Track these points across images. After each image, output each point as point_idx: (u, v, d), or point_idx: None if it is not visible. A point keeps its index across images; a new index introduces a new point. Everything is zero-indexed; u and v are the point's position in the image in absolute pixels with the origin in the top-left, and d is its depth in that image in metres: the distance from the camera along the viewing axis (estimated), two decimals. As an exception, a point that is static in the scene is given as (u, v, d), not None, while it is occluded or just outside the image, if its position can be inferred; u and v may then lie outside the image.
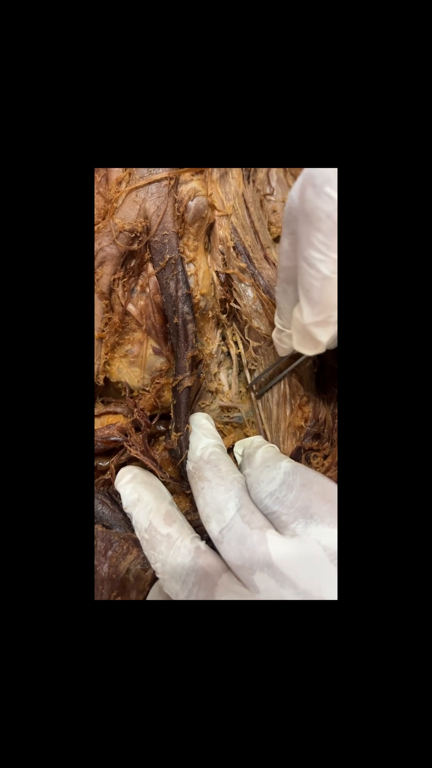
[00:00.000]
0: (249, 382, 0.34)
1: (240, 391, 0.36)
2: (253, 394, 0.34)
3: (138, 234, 0.31)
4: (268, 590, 0.22)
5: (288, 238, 0.23)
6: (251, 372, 0.34)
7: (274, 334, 0.29)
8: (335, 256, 0.21)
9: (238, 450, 0.33)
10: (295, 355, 0.29)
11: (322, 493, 0.24)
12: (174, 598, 0.25)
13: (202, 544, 0.26)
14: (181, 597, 0.24)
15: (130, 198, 0.31)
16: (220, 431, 0.35)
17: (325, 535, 0.22)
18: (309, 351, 0.26)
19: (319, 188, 0.20)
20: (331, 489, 0.24)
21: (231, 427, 0.36)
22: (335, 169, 0.19)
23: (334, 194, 0.19)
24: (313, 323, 0.23)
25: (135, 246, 0.31)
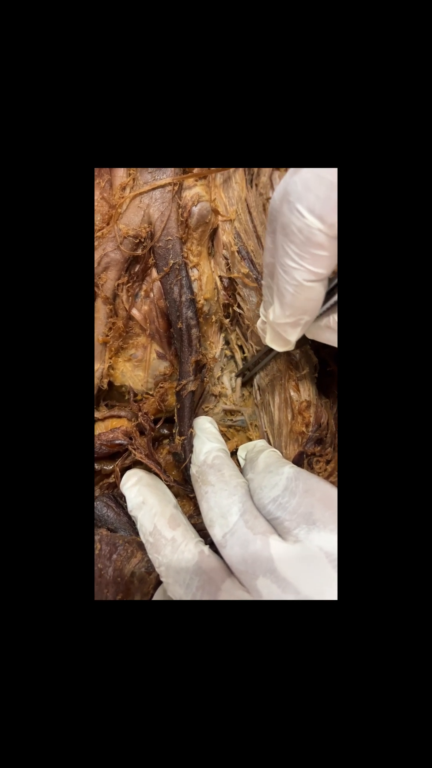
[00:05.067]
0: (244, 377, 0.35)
1: (243, 395, 0.36)
2: (240, 380, 0.36)
3: (142, 239, 0.31)
4: (271, 596, 0.22)
5: (270, 237, 0.23)
6: (244, 362, 0.35)
7: (258, 324, 0.30)
8: (309, 266, 0.22)
9: (241, 454, 0.33)
10: None
11: (324, 500, 0.24)
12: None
13: (206, 549, 0.26)
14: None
15: (134, 204, 0.31)
16: (223, 435, 0.35)
17: (328, 542, 0.22)
18: (279, 348, 0.27)
19: (292, 205, 0.21)
20: (333, 495, 0.24)
21: (234, 431, 0.36)
22: (309, 187, 0.20)
23: (306, 212, 0.20)
24: (283, 324, 0.25)
25: (139, 251, 0.31)
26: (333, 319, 0.25)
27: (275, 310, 0.25)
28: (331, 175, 0.20)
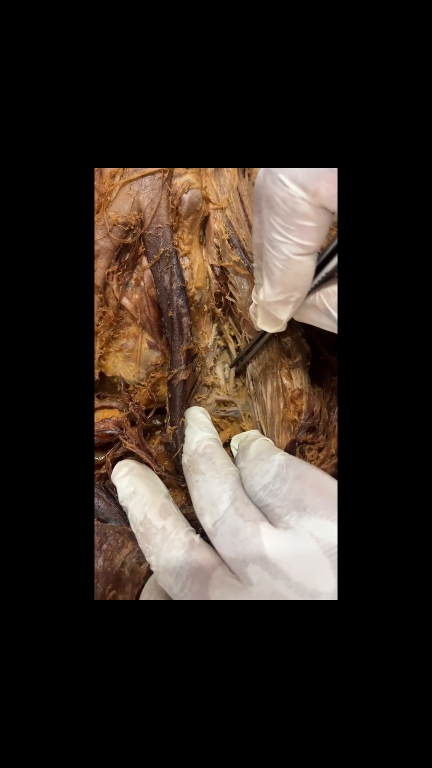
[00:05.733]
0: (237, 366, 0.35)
1: (236, 386, 0.36)
2: (233, 370, 0.35)
3: (132, 227, 0.31)
4: (261, 582, 0.22)
5: (257, 216, 0.23)
6: (237, 352, 0.35)
7: (250, 309, 0.30)
8: (296, 239, 0.21)
9: (234, 444, 0.33)
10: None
11: (315, 486, 0.23)
12: (168, 591, 0.25)
13: (197, 537, 0.26)
14: (175, 590, 0.24)
15: (124, 191, 0.31)
16: (216, 425, 0.35)
17: (318, 528, 0.22)
18: (271, 328, 0.27)
19: (274, 175, 0.20)
20: (324, 481, 0.24)
21: (227, 421, 0.36)
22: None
23: (289, 181, 0.20)
24: (273, 302, 0.25)
25: (129, 239, 0.31)
26: (319, 298, 0.24)
27: (265, 289, 0.24)
28: None
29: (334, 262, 0.23)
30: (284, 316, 0.25)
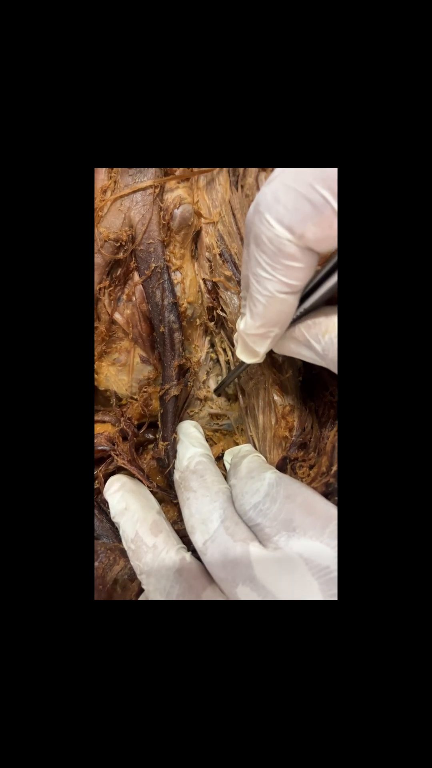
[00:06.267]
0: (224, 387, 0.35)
1: (229, 399, 0.36)
2: (214, 395, 0.35)
3: (123, 243, 0.31)
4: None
5: (246, 250, 0.23)
6: (228, 367, 0.35)
7: (234, 336, 0.29)
8: (281, 277, 0.21)
9: (227, 458, 0.33)
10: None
11: (305, 506, 0.23)
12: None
13: (188, 556, 0.26)
14: (166, 609, 0.24)
15: (115, 207, 0.31)
16: (209, 439, 0.35)
17: (307, 548, 0.22)
18: (248, 359, 0.27)
19: (261, 215, 0.20)
20: (314, 501, 0.24)
21: (221, 435, 0.36)
22: (278, 198, 0.20)
23: (275, 222, 0.20)
24: (252, 334, 0.25)
25: (120, 255, 0.31)
26: (299, 330, 0.24)
27: (247, 320, 0.24)
28: (300, 185, 0.19)
29: (315, 297, 0.23)
30: (262, 349, 0.26)
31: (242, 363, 0.30)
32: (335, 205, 0.19)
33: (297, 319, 0.24)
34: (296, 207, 0.19)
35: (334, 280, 0.23)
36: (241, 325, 0.25)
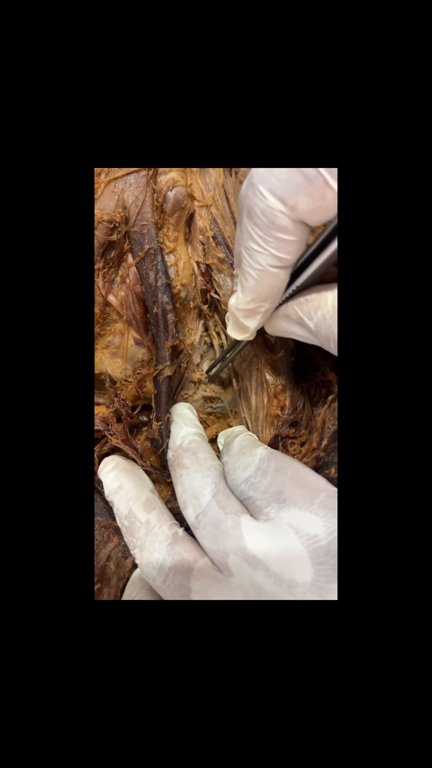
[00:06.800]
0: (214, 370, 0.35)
1: (223, 382, 0.36)
2: (207, 378, 0.35)
3: (117, 224, 0.31)
4: (241, 573, 0.22)
5: (239, 225, 0.24)
6: (221, 349, 0.35)
7: (227, 316, 0.29)
8: (273, 251, 0.22)
9: (220, 440, 0.33)
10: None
11: (295, 478, 0.24)
12: (151, 584, 0.25)
13: (180, 531, 0.26)
14: (158, 582, 0.25)
15: (109, 189, 0.31)
16: (203, 422, 0.35)
17: (297, 519, 0.22)
18: (238, 335, 0.27)
19: (254, 186, 0.21)
20: (304, 474, 0.24)
21: (214, 417, 0.36)
22: (271, 169, 0.20)
23: (268, 193, 0.20)
24: (243, 310, 0.25)
25: (114, 237, 0.31)
26: (291, 307, 0.25)
27: (238, 295, 0.25)
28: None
29: (306, 275, 0.24)
30: (252, 324, 0.26)
31: (235, 344, 0.31)
32: (327, 176, 0.19)
33: (289, 298, 0.25)
34: (289, 178, 0.20)
35: (325, 257, 0.23)
36: (233, 300, 0.25)
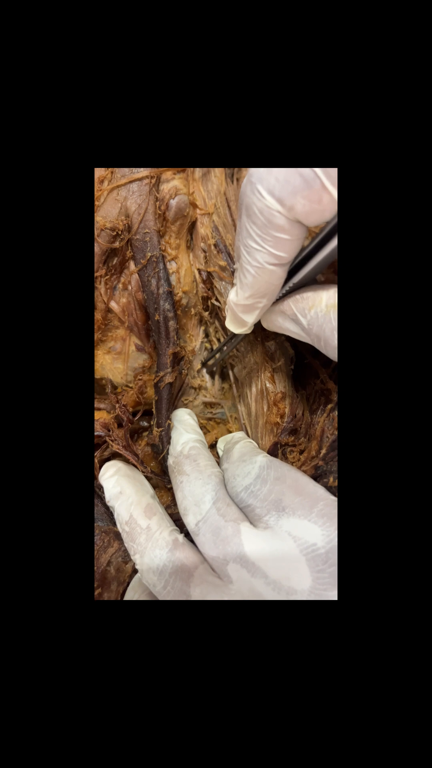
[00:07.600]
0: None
1: (223, 388, 0.37)
2: (205, 369, 0.36)
3: (119, 232, 0.31)
4: (240, 580, 0.22)
5: (239, 221, 0.24)
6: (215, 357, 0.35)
7: (225, 309, 0.30)
8: (270, 249, 0.22)
9: (220, 446, 0.34)
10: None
11: (294, 487, 0.24)
12: (152, 589, 0.26)
13: (180, 537, 0.27)
14: (158, 587, 0.25)
15: (112, 196, 0.31)
16: (203, 427, 0.36)
17: (296, 527, 0.23)
18: (236, 329, 0.28)
19: (253, 186, 0.21)
20: (303, 482, 0.24)
21: (214, 423, 0.37)
22: (270, 169, 0.20)
23: (266, 193, 0.21)
24: (241, 305, 0.26)
25: (116, 244, 0.31)
26: (287, 304, 0.25)
27: (237, 290, 0.25)
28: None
29: (303, 272, 0.24)
30: (250, 319, 0.27)
31: (232, 336, 0.31)
32: (324, 179, 0.20)
33: (286, 294, 0.25)
34: (287, 179, 0.20)
35: (322, 255, 0.23)
36: (231, 295, 0.26)
